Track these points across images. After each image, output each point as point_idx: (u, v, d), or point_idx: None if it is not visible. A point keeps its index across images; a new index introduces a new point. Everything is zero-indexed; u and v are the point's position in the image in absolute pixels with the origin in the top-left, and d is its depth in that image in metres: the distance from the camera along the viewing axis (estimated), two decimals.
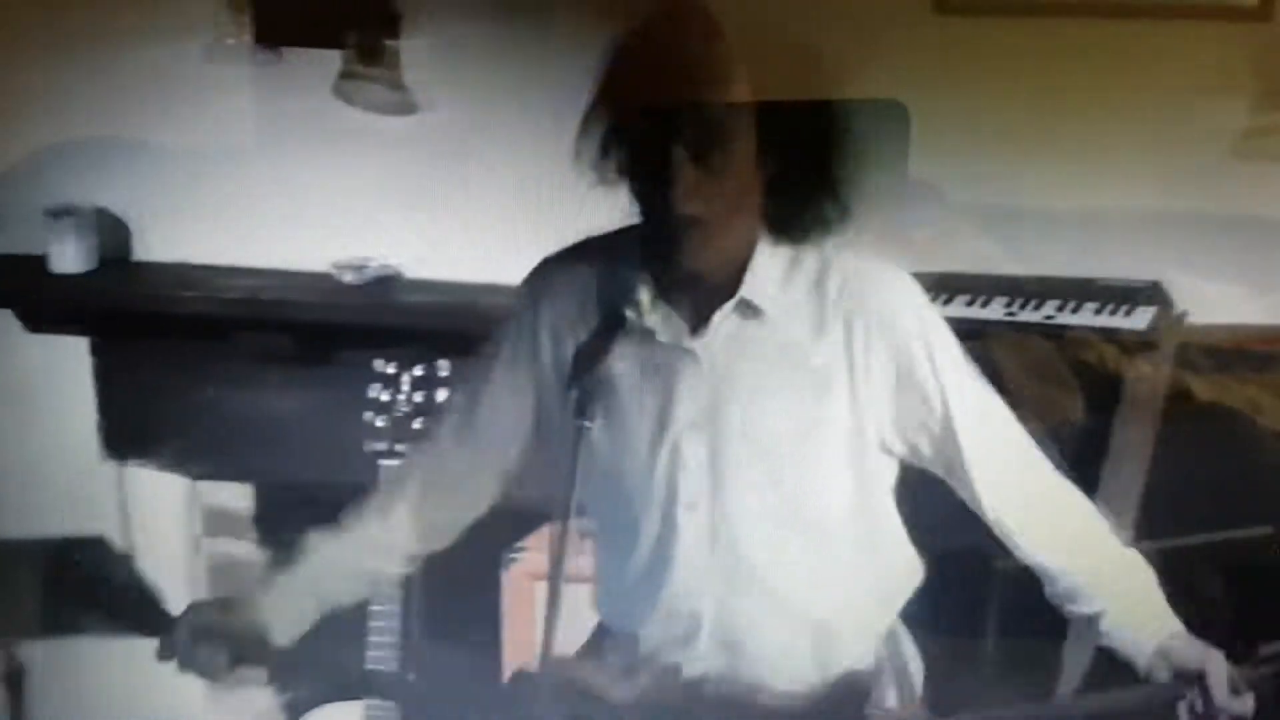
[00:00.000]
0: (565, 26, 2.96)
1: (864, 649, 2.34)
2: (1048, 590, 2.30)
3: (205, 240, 3.64)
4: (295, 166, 3.53)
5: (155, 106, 3.59)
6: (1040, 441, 2.28)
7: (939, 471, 2.28)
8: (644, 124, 2.12)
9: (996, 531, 2.29)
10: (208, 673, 2.52)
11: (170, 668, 3.92)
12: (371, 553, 2.58)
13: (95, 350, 3.79)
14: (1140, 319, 2.91)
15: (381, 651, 3.28)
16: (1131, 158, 3.01)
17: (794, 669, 2.31)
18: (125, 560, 3.95)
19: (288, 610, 2.55)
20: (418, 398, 3.15)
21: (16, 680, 4.04)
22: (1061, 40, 3.04)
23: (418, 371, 3.15)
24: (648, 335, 2.20)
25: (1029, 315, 2.98)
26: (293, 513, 3.80)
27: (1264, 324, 2.95)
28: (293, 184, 3.53)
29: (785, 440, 2.22)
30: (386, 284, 3.56)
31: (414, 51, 3.41)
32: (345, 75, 3.43)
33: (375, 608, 3.23)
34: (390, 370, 3.16)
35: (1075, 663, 2.48)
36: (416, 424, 3.16)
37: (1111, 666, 2.22)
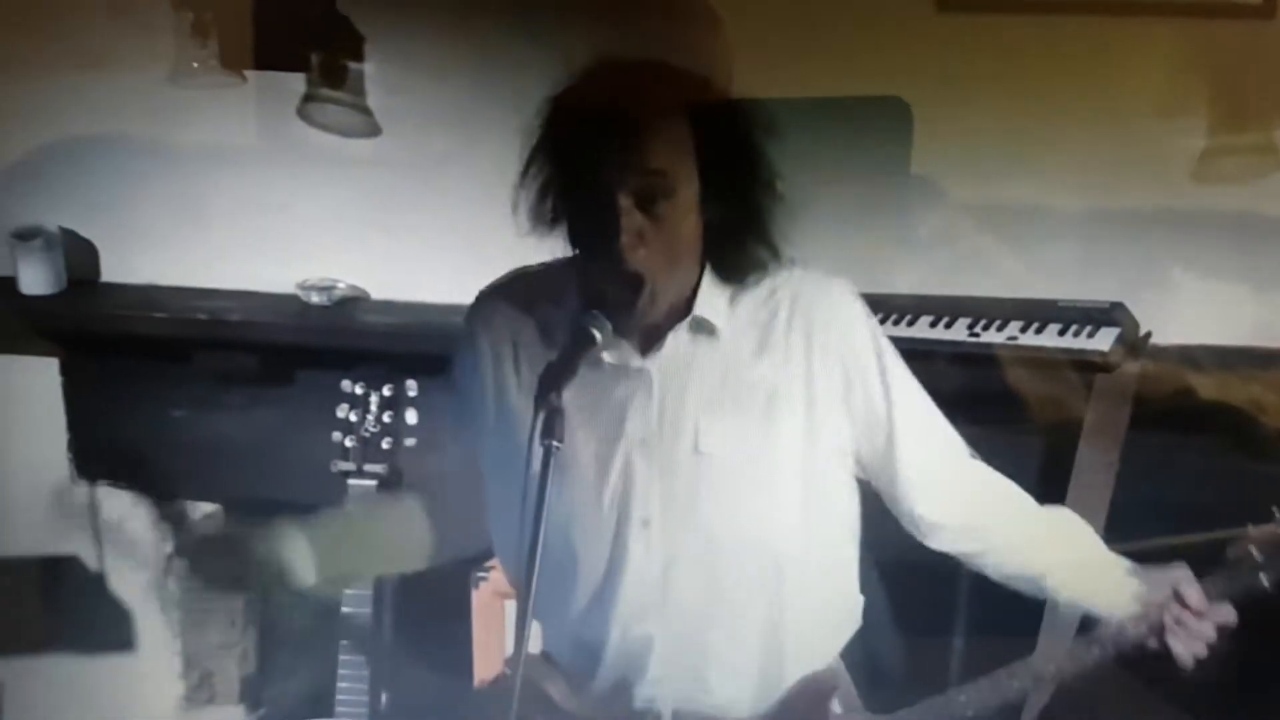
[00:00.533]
0: (528, 51, 2.94)
1: (814, 666, 2.34)
2: (976, 565, 2.35)
3: (172, 262, 3.62)
4: (261, 188, 3.51)
5: (121, 129, 3.58)
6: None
7: (874, 480, 2.32)
8: (587, 174, 2.11)
9: (925, 531, 2.33)
10: (213, 583, 2.58)
11: (143, 685, 3.95)
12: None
13: (65, 371, 3.77)
14: (1103, 340, 2.89)
15: (352, 670, 3.25)
16: (1131, 154, 3.01)
17: (744, 690, 2.31)
18: (98, 579, 3.93)
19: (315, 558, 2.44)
20: (386, 418, 3.13)
21: None
22: (1063, 37, 3.03)
23: (385, 392, 3.13)
24: (594, 359, 2.18)
25: (992, 336, 2.97)
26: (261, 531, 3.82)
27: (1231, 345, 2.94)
28: (258, 206, 3.51)
29: (738, 457, 2.22)
30: (352, 305, 3.55)
31: (377, 74, 3.40)
32: (309, 98, 3.40)
33: (345, 626, 3.21)
34: (358, 391, 3.13)
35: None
36: (384, 444, 3.14)
37: None
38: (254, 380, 3.59)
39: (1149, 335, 2.94)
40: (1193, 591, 2.17)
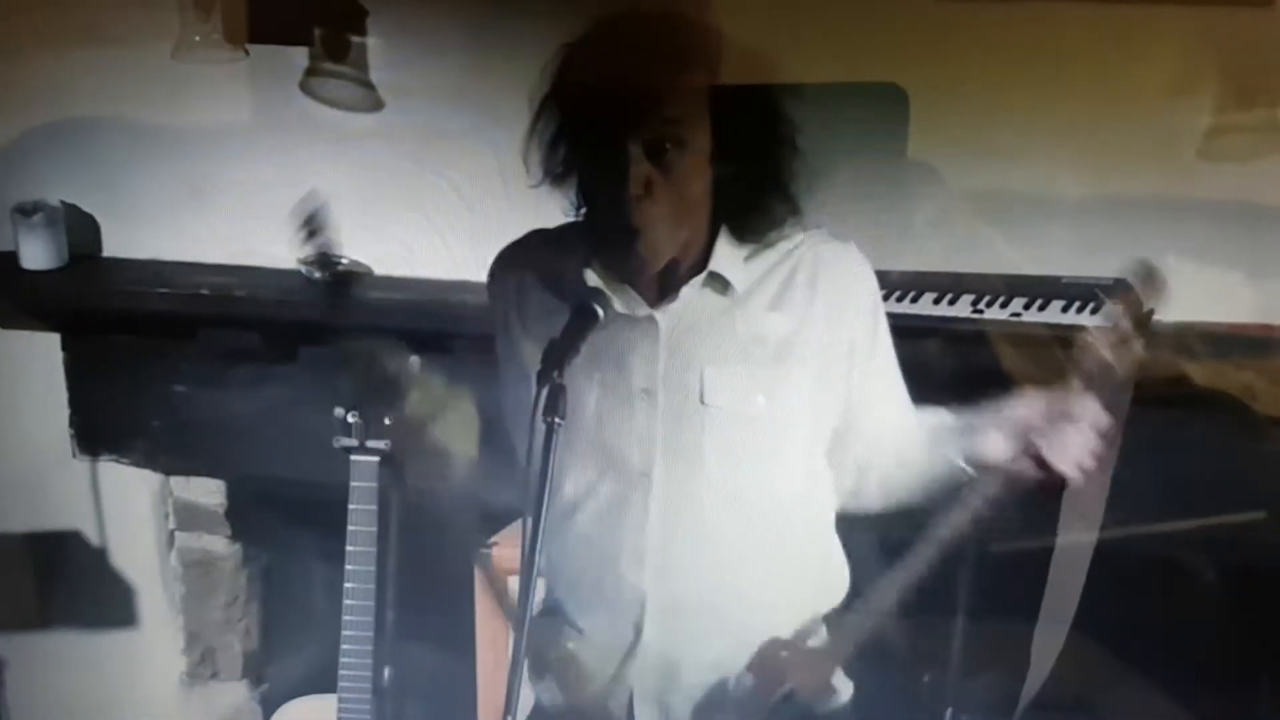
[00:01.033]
0: (532, 22, 2.92)
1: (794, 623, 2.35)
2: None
3: (175, 237, 3.62)
4: (263, 163, 3.49)
5: (123, 104, 3.56)
6: None
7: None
8: (598, 121, 2.11)
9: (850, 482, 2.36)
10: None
11: (145, 661, 3.96)
12: None
13: (67, 346, 3.77)
14: (1107, 316, 2.88)
15: (355, 645, 3.26)
16: (1128, 141, 2.99)
17: (738, 643, 2.33)
18: (99, 555, 3.95)
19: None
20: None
21: None
22: (1061, 23, 3.02)
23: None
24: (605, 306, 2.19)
25: (995, 313, 2.96)
26: (265, 508, 3.83)
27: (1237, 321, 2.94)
28: (260, 180, 3.48)
29: (744, 410, 2.23)
30: (355, 281, 3.52)
31: (380, 48, 3.39)
32: (311, 72, 3.39)
33: (349, 602, 3.21)
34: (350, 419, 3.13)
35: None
36: (387, 420, 3.13)
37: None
38: (256, 356, 3.58)
39: (1152, 312, 2.93)
40: (1055, 401, 2.16)
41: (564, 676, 2.41)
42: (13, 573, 3.97)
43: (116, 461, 3.83)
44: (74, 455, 3.82)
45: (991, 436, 2.20)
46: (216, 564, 3.95)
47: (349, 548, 3.21)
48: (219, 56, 3.42)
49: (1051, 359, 2.82)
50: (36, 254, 3.62)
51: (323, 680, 3.36)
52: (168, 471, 3.87)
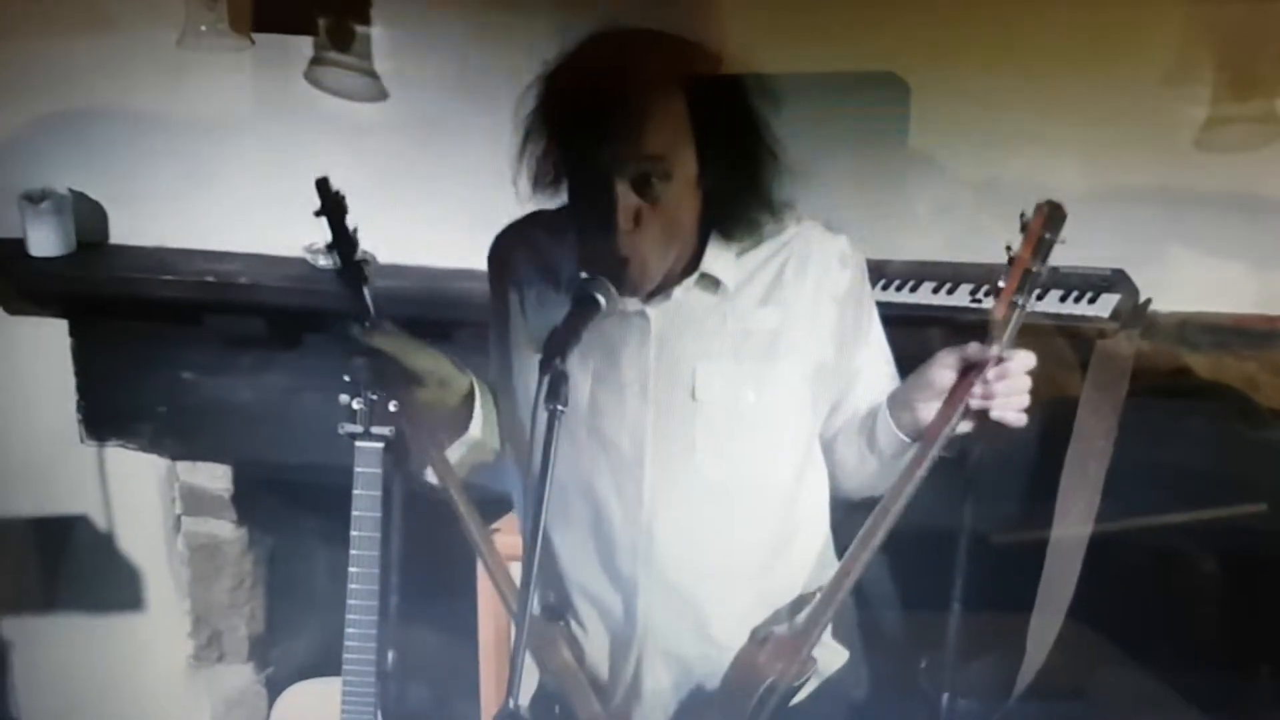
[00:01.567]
0: (534, 13, 2.92)
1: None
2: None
3: (181, 225, 3.63)
4: (268, 151, 3.50)
5: (130, 92, 3.57)
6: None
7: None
8: (583, 155, 2.11)
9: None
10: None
11: (151, 644, 3.97)
12: None
13: (74, 332, 3.79)
14: (1104, 306, 2.89)
15: (360, 629, 3.27)
16: (1127, 131, 2.99)
17: (731, 634, 2.33)
18: (106, 539, 3.96)
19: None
20: None
21: (2, 655, 4.09)
22: (1060, 13, 3.02)
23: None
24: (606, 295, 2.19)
25: (994, 303, 2.94)
26: (270, 493, 3.83)
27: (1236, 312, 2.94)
28: (266, 169, 3.50)
29: (735, 405, 2.24)
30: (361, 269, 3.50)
31: (384, 38, 3.39)
32: (316, 61, 3.40)
33: (353, 586, 3.22)
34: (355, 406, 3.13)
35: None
36: (391, 406, 3.13)
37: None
38: (262, 343, 3.59)
39: (1149, 302, 2.94)
40: (979, 354, 2.13)
41: (564, 662, 2.40)
42: (20, 556, 3.99)
43: (123, 447, 3.84)
44: (81, 440, 3.83)
45: (925, 407, 2.18)
46: (222, 548, 3.96)
47: (353, 532, 3.21)
48: (224, 45, 3.42)
49: (1050, 348, 2.84)
50: (44, 241, 3.63)
51: (327, 663, 3.37)
52: (174, 456, 3.87)
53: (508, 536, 3.26)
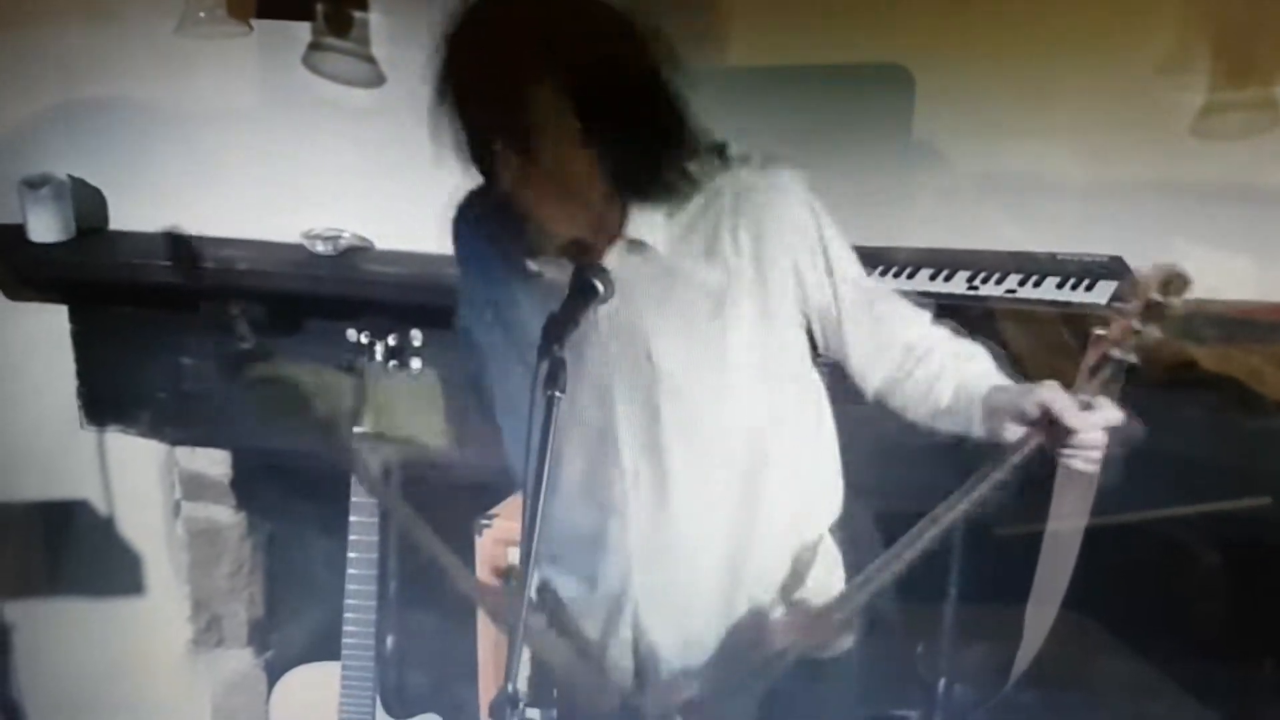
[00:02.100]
0: None
1: (773, 574, 2.35)
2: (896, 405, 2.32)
3: (180, 211, 3.49)
4: (267, 138, 3.50)
5: (129, 78, 3.57)
6: None
7: (828, 350, 2.31)
8: (462, 116, 2.08)
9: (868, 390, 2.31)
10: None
11: (151, 628, 3.97)
12: None
13: (74, 318, 3.79)
14: (1100, 294, 2.89)
15: (359, 614, 3.27)
16: (1131, 115, 2.99)
17: (713, 605, 2.33)
18: (106, 524, 3.97)
19: None
20: (390, 367, 3.12)
21: (3, 638, 4.09)
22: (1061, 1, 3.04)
23: (390, 341, 3.12)
24: (539, 279, 2.19)
25: (990, 289, 2.95)
26: (269, 478, 3.83)
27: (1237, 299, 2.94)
28: (265, 155, 3.50)
29: (693, 367, 2.22)
30: (358, 255, 3.53)
31: (382, 23, 3.38)
32: (314, 47, 3.39)
33: (352, 571, 3.23)
34: (363, 340, 3.13)
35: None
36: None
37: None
38: (260, 329, 3.55)
39: (1163, 305, 2.93)
40: (1063, 404, 2.08)
41: (562, 641, 2.41)
42: (21, 541, 3.99)
43: (123, 432, 3.84)
44: (81, 426, 3.83)
45: (1010, 428, 2.16)
46: (222, 533, 3.97)
47: (352, 518, 3.23)
48: (223, 32, 3.42)
49: (1050, 336, 2.84)
50: (44, 227, 3.62)
51: (326, 648, 3.39)
52: (173, 442, 3.88)
53: (506, 521, 3.27)
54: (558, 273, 2.17)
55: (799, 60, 2.92)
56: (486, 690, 3.39)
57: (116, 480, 3.93)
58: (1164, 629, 3.00)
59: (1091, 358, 2.11)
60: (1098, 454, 2.11)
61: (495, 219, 2.22)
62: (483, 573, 3.35)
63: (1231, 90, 2.82)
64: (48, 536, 3.98)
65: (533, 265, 2.17)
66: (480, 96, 2.03)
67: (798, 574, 2.39)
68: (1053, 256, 2.99)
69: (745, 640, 2.33)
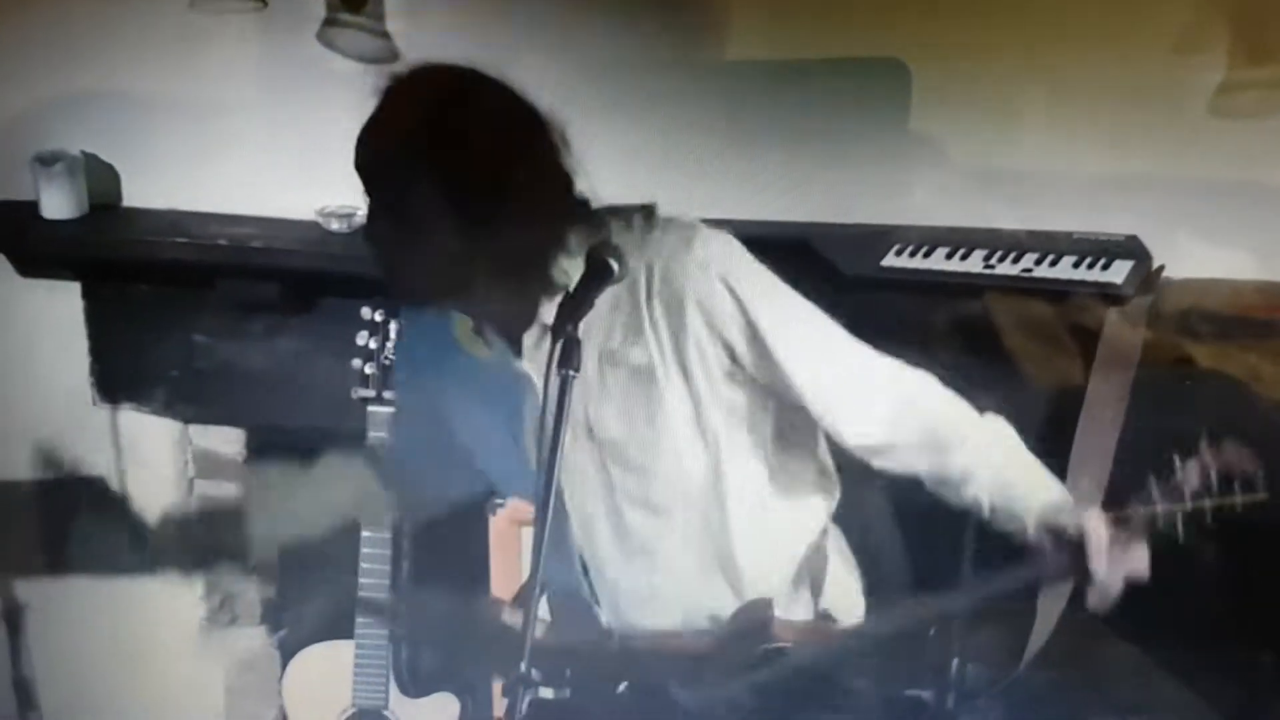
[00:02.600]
0: None
1: (766, 587, 2.37)
2: (928, 485, 2.31)
3: (194, 187, 3.63)
4: (281, 113, 3.52)
5: (142, 54, 3.57)
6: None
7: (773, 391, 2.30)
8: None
9: (836, 432, 2.31)
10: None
11: (165, 607, 3.99)
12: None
13: (87, 295, 3.80)
14: (1117, 273, 2.90)
15: (372, 593, 3.30)
16: (1142, 99, 2.99)
17: (696, 619, 2.38)
18: (120, 502, 3.95)
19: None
20: None
21: (16, 617, 4.09)
22: None
23: (404, 320, 3.14)
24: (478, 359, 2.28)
25: (1007, 268, 2.97)
26: (282, 456, 3.84)
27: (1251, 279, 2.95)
28: (279, 131, 3.52)
29: (630, 434, 2.26)
30: None
31: None
32: (329, 22, 3.40)
33: (366, 550, 3.25)
34: (377, 318, 3.15)
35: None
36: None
37: None
38: (275, 306, 3.60)
39: (1162, 268, 2.95)
40: (1099, 545, 2.10)
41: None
42: (35, 518, 4.00)
43: (136, 410, 3.86)
44: (94, 403, 3.85)
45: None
46: (236, 511, 3.95)
47: None
48: (237, 7, 3.44)
49: (1060, 315, 2.86)
50: (57, 203, 3.63)
51: (340, 627, 3.41)
52: (187, 420, 3.89)
53: (519, 501, 3.29)
54: (498, 354, 2.28)
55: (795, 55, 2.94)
56: None
57: (130, 458, 3.93)
58: (1162, 623, 3.02)
59: (1144, 512, 2.11)
60: (1112, 597, 2.13)
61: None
62: (496, 552, 3.39)
63: (1249, 68, 2.82)
64: (59, 514, 3.97)
65: (615, 276, 2.11)
66: (373, 174, 2.20)
67: (814, 579, 2.45)
68: (1069, 235, 3.00)
69: (741, 628, 2.36)
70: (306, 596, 3.95)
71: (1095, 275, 2.92)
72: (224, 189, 3.60)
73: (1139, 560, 2.12)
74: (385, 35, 3.41)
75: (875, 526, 2.49)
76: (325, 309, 3.57)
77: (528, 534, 3.20)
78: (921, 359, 2.32)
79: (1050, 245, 3.01)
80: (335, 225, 3.51)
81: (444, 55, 3.29)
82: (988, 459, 2.25)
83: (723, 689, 2.34)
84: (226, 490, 3.96)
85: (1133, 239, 2.95)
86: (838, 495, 2.46)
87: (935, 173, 3.05)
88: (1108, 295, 2.90)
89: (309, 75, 3.47)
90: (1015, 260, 2.99)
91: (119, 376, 3.84)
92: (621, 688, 2.41)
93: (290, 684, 3.55)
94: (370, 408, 3.17)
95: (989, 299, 2.86)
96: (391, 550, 3.30)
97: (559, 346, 2.01)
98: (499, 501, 3.32)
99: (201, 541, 2.81)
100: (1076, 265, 2.94)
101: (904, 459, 2.29)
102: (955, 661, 2.78)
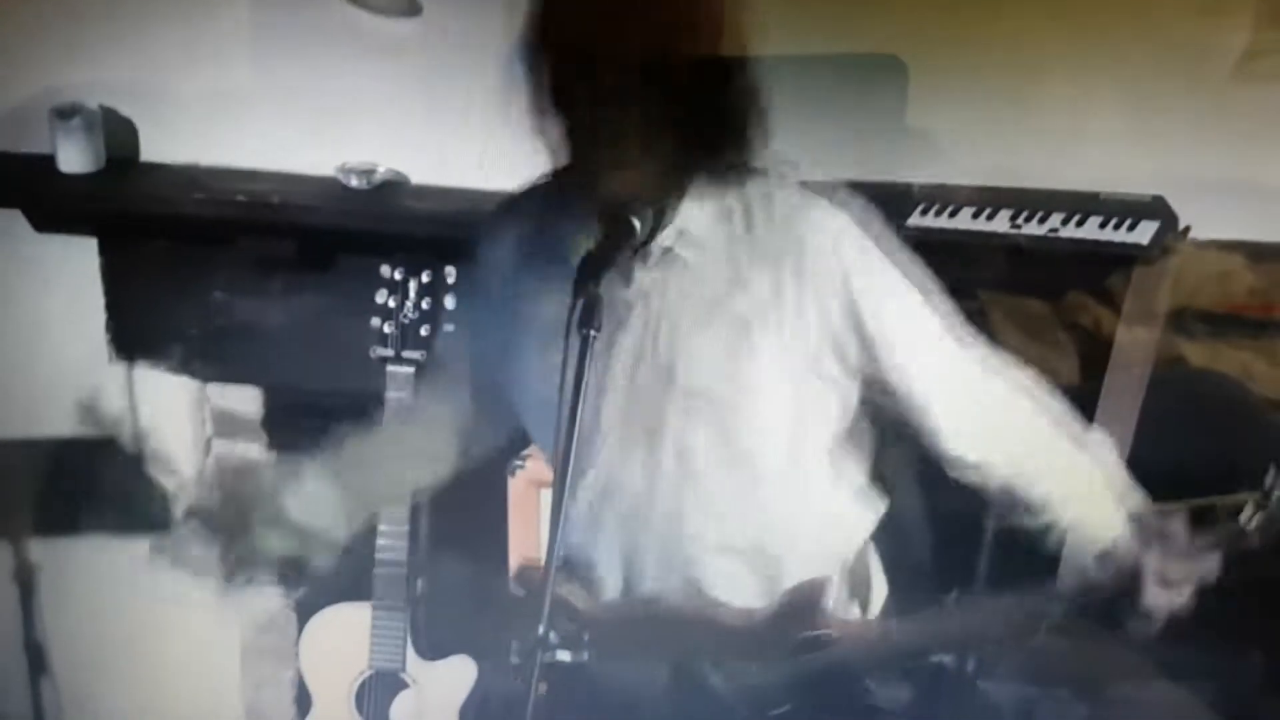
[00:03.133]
0: None
1: (814, 574, 2.38)
2: (997, 503, 2.35)
3: (212, 142, 3.64)
4: (302, 69, 3.51)
5: (162, 6, 3.57)
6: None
7: (877, 387, 2.33)
8: (560, 99, 2.15)
9: (932, 438, 2.33)
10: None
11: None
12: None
13: (103, 251, 3.80)
14: (1143, 233, 2.94)
15: (390, 554, 3.34)
16: (1167, 61, 3.02)
17: (741, 593, 2.38)
18: (135, 461, 3.99)
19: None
20: (424, 304, 3.19)
21: (27, 578, 4.13)
22: None
23: (424, 278, 3.19)
24: (658, 218, 2.20)
25: (1033, 229, 3.00)
26: (301, 416, 3.87)
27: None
28: (299, 86, 3.52)
29: (718, 379, 2.26)
30: (392, 189, 3.55)
31: None
32: None
33: (383, 511, 3.30)
34: (397, 276, 3.19)
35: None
36: (423, 330, 3.20)
37: None
38: (293, 263, 3.61)
39: (1188, 229, 2.97)
40: (1150, 585, 2.16)
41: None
42: (48, 478, 4.03)
43: (153, 368, 3.87)
44: (110, 361, 3.86)
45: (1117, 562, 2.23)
46: (253, 471, 3.96)
47: None
48: None
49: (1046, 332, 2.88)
50: (74, 157, 3.63)
51: (358, 589, 3.47)
52: (204, 378, 3.90)
53: (539, 463, 3.34)
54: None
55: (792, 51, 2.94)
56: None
57: (146, 417, 3.93)
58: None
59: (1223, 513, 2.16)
60: (1178, 601, 2.18)
61: (541, 214, 2.33)
62: (514, 514, 3.43)
63: (1275, 32, 2.84)
64: (74, 473, 3.98)
65: (638, 235, 2.17)
66: (584, 50, 2.09)
67: (860, 593, 2.49)
68: (1095, 196, 3.03)
69: (793, 607, 2.37)
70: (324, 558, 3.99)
71: (1121, 236, 2.95)
72: (243, 144, 3.60)
73: (1206, 566, 2.17)
74: None
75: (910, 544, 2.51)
76: (344, 267, 3.58)
77: (547, 496, 3.23)
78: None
79: (1077, 205, 3.04)
80: (355, 182, 3.52)
81: (468, 8, 3.37)
82: (1069, 492, 2.30)
83: (755, 673, 2.36)
84: (244, 450, 3.98)
85: (1159, 199, 2.98)
86: (882, 512, 2.48)
87: (932, 168, 3.07)
88: (1134, 255, 2.93)
89: (331, 30, 3.47)
90: (1042, 220, 3.02)
91: (136, 334, 3.84)
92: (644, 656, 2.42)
93: (307, 645, 3.60)
94: (390, 367, 3.22)
95: (1005, 305, 2.90)
96: (409, 512, 3.34)
97: (579, 305, 2.04)
98: (518, 463, 3.36)
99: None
100: (1103, 226, 2.97)
101: (988, 477, 2.34)
102: None
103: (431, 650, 3.48)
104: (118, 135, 3.70)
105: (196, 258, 3.71)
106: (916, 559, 2.51)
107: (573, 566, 2.44)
